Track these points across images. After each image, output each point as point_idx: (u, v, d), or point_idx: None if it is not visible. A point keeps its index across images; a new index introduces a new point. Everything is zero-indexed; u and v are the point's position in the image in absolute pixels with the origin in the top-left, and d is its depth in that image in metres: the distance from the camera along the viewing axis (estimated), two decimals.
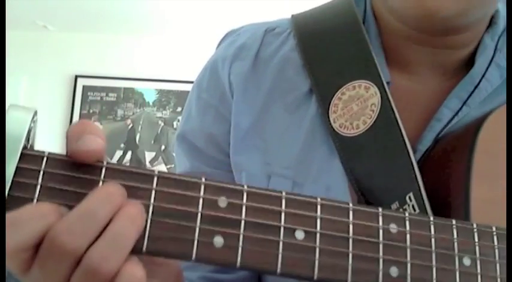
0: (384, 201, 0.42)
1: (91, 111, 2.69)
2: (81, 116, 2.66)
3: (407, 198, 0.41)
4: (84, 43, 2.70)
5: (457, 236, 0.35)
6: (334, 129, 0.45)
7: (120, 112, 2.69)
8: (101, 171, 0.28)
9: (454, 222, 0.35)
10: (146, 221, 0.28)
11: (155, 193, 0.29)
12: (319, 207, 0.32)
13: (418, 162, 0.43)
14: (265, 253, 0.30)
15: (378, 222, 0.33)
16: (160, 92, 2.70)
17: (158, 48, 2.68)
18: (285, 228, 0.31)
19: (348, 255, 0.31)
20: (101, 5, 2.31)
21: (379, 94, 0.44)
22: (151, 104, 2.70)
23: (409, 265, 0.33)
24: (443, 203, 0.41)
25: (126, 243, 0.27)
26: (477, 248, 0.35)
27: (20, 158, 0.27)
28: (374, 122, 0.44)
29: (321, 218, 0.32)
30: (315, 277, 0.30)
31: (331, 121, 0.45)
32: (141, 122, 2.68)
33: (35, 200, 0.27)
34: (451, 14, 0.40)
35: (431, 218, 0.35)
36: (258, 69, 0.50)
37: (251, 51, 0.50)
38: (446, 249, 0.34)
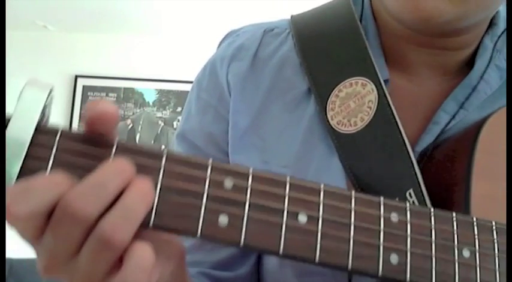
0: (384, 197, 0.43)
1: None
2: (81, 116, 2.67)
3: (407, 194, 0.42)
4: (84, 43, 2.71)
5: (457, 228, 0.35)
6: (332, 127, 0.45)
7: (120, 112, 2.70)
8: (112, 147, 0.29)
9: (454, 214, 0.36)
10: (154, 197, 0.29)
11: (163, 171, 0.30)
12: (322, 193, 0.33)
13: (417, 164, 0.44)
14: (268, 234, 0.30)
15: (380, 211, 0.34)
16: (160, 92, 2.70)
17: (158, 48, 2.70)
18: (288, 211, 0.31)
19: (349, 241, 0.32)
20: (101, 5, 2.33)
21: (376, 91, 0.45)
22: (151, 104, 2.71)
23: (409, 253, 0.33)
24: (443, 199, 0.42)
25: (137, 217, 0.27)
26: (476, 240, 0.36)
27: (35, 131, 0.28)
28: (371, 119, 0.44)
29: (324, 204, 0.32)
30: (316, 260, 0.31)
31: (329, 118, 0.45)
32: (141, 122, 2.69)
33: (48, 171, 0.28)
34: (449, 18, 0.40)
35: (432, 210, 0.35)
36: (256, 69, 0.50)
37: (249, 51, 0.51)
38: (446, 240, 0.35)
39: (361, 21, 0.49)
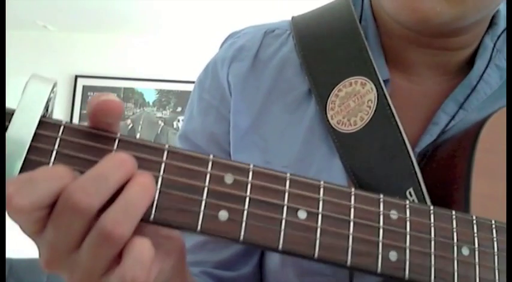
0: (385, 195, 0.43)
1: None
2: (81, 116, 2.67)
3: (407, 193, 0.42)
4: (84, 43, 2.71)
5: (457, 225, 0.35)
6: (332, 126, 0.45)
7: None
8: (114, 141, 0.29)
9: (453, 212, 0.36)
10: (155, 191, 0.29)
11: (165, 166, 0.30)
12: (322, 189, 0.33)
13: (418, 164, 0.44)
14: (268, 229, 0.31)
15: (379, 208, 0.34)
16: (160, 92, 2.71)
17: (158, 48, 2.70)
18: (288, 207, 0.32)
19: (348, 237, 0.32)
20: (102, 4, 2.33)
21: (375, 90, 0.45)
22: (151, 104, 2.71)
23: (407, 251, 0.33)
24: (443, 198, 0.42)
25: (138, 211, 0.28)
26: (476, 238, 0.36)
27: (39, 124, 0.28)
28: (371, 118, 0.45)
29: (324, 200, 0.32)
30: (315, 256, 0.31)
31: (329, 118, 0.46)
32: (141, 122, 2.69)
33: (51, 164, 0.28)
34: (446, 20, 0.40)
35: (431, 207, 0.35)
36: (257, 70, 0.51)
37: (250, 52, 0.51)
38: (445, 238, 0.35)
39: (360, 21, 0.50)
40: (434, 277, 0.33)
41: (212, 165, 0.31)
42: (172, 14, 2.44)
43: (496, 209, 0.39)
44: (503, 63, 0.47)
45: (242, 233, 0.30)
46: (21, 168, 0.27)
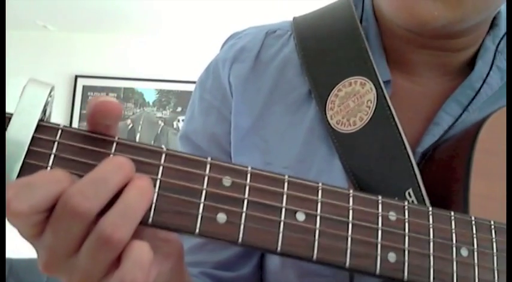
0: (383, 196, 0.43)
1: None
2: (81, 116, 2.67)
3: (406, 194, 0.42)
4: (84, 43, 2.71)
5: (455, 227, 0.35)
6: (331, 127, 0.45)
7: None
8: (112, 145, 0.29)
9: (452, 213, 0.36)
10: (153, 195, 0.29)
11: (163, 169, 0.30)
12: (320, 191, 0.33)
13: (417, 164, 0.44)
14: (267, 232, 0.31)
15: (378, 209, 0.34)
16: (160, 92, 2.70)
17: (158, 48, 2.70)
18: (286, 209, 0.32)
19: (347, 239, 0.32)
20: (101, 4, 2.33)
21: (374, 90, 0.45)
22: (151, 104, 2.71)
23: (406, 252, 0.33)
24: (442, 199, 0.42)
25: (137, 214, 0.28)
26: (475, 239, 0.36)
27: (37, 128, 0.28)
28: (370, 118, 0.44)
29: (322, 202, 0.32)
30: (314, 258, 0.31)
31: (329, 118, 0.46)
32: (141, 122, 2.68)
33: (49, 168, 0.28)
34: (444, 23, 0.40)
35: (430, 208, 0.35)
36: (258, 71, 0.51)
37: (251, 53, 0.51)
38: (444, 239, 0.35)
39: (361, 22, 0.49)
40: (434, 278, 0.33)
41: (210, 167, 0.31)
42: (172, 14, 2.44)
43: (494, 210, 0.39)
44: (504, 64, 0.47)
45: (240, 235, 0.30)
46: (20, 172, 0.27)
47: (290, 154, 0.47)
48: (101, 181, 0.27)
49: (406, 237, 0.34)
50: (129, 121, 2.69)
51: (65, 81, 2.70)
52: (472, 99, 0.46)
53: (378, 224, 0.33)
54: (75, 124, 2.67)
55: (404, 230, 0.34)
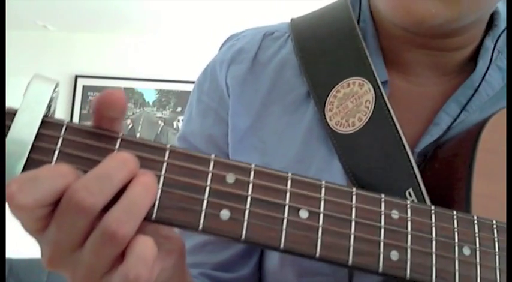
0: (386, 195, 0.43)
1: (91, 111, 2.68)
2: (81, 116, 2.67)
3: (407, 193, 0.42)
4: (84, 43, 2.72)
5: (458, 225, 0.35)
6: (330, 128, 0.45)
7: None
8: (116, 141, 0.30)
9: (454, 212, 0.36)
10: (157, 191, 0.29)
11: (166, 165, 0.30)
12: (323, 189, 0.33)
13: (418, 165, 0.44)
14: (270, 229, 0.31)
15: (380, 207, 0.34)
16: (160, 92, 2.71)
17: (158, 48, 2.70)
18: (289, 206, 0.32)
19: (349, 237, 0.32)
20: (101, 4, 2.33)
21: (372, 91, 0.45)
22: (151, 104, 2.71)
23: (409, 250, 0.33)
24: (444, 198, 0.42)
25: (141, 210, 0.28)
26: (477, 238, 0.36)
27: (41, 124, 0.28)
28: (369, 119, 0.45)
29: (325, 200, 0.33)
30: (317, 255, 0.31)
31: (327, 119, 0.46)
32: (141, 122, 2.69)
33: (53, 164, 0.28)
34: (441, 21, 0.40)
35: (433, 207, 0.36)
36: (255, 72, 0.51)
37: (249, 54, 0.51)
38: (447, 237, 0.35)
39: (359, 23, 0.50)
40: (436, 277, 0.33)
41: (214, 164, 0.31)
42: (172, 14, 2.44)
43: (496, 209, 0.39)
44: (505, 64, 0.48)
45: (244, 232, 0.30)
46: (24, 167, 0.27)
47: (288, 155, 0.47)
48: (105, 177, 0.27)
49: (409, 236, 0.34)
50: (129, 121, 2.69)
51: (65, 81, 2.70)
52: (471, 97, 0.46)
53: (380, 222, 0.33)
54: None
55: (406, 228, 0.34)
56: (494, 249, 0.36)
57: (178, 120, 2.68)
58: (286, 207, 0.31)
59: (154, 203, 0.29)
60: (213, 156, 0.31)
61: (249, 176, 0.31)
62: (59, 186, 0.27)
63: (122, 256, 0.28)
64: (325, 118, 0.46)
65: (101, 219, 0.27)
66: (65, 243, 0.28)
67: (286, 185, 0.32)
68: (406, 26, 0.42)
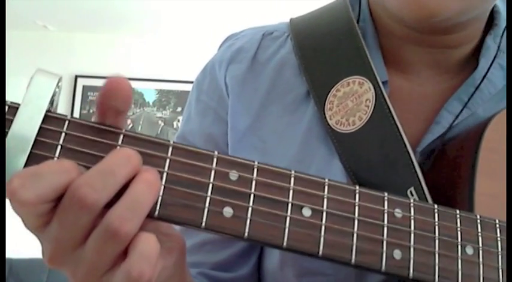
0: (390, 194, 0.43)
1: (91, 111, 2.67)
2: (81, 116, 2.66)
3: (408, 192, 0.42)
4: (84, 43, 2.71)
5: (461, 225, 0.35)
6: (330, 127, 0.45)
7: None
8: (119, 136, 0.29)
9: (458, 211, 0.36)
10: (160, 188, 0.29)
11: (169, 162, 0.30)
12: (326, 187, 0.33)
13: (420, 164, 0.44)
14: (273, 226, 0.31)
15: (383, 206, 0.34)
16: (160, 92, 2.71)
17: (158, 48, 2.70)
18: (292, 204, 0.31)
19: (352, 235, 0.32)
20: (101, 5, 2.33)
21: (373, 90, 0.45)
22: (151, 104, 2.71)
23: (412, 249, 0.33)
24: (446, 197, 0.42)
25: (144, 208, 0.28)
26: (480, 238, 0.36)
27: (44, 119, 0.28)
28: (369, 117, 0.44)
29: (328, 198, 0.32)
30: (320, 253, 0.31)
31: (327, 118, 0.46)
32: (141, 122, 2.69)
33: (55, 159, 0.28)
34: (452, 14, 0.40)
35: (436, 206, 0.35)
36: (255, 72, 0.51)
37: (248, 54, 0.51)
38: (450, 237, 0.35)
39: (358, 22, 0.50)
40: (438, 276, 0.33)
41: (217, 161, 0.31)
42: (172, 14, 2.44)
43: (499, 208, 0.39)
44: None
45: (247, 229, 0.30)
46: (26, 162, 0.27)
47: (288, 154, 0.47)
48: (108, 173, 0.27)
49: (412, 235, 0.34)
50: (129, 121, 2.69)
51: (65, 81, 2.70)
52: (472, 94, 0.46)
53: (383, 220, 0.33)
54: None
55: (410, 227, 0.34)
56: (497, 248, 0.36)
57: (178, 120, 2.68)
58: (290, 205, 0.31)
59: (157, 200, 0.29)
60: (216, 153, 0.31)
61: (252, 174, 0.31)
62: (61, 182, 0.26)
63: (124, 254, 0.28)
64: (325, 117, 0.46)
65: (103, 216, 0.27)
66: (67, 240, 0.28)
67: (290, 183, 0.32)
68: (414, 21, 0.42)
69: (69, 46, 2.73)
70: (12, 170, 0.26)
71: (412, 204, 0.35)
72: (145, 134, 0.30)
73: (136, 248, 0.27)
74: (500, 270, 0.35)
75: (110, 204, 0.27)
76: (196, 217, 0.29)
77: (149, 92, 2.71)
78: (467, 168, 0.41)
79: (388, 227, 0.33)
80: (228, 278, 0.49)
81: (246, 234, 0.30)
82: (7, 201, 0.26)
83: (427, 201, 0.41)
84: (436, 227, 0.34)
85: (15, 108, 0.28)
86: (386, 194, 0.34)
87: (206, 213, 0.29)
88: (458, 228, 0.35)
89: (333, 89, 0.46)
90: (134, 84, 2.71)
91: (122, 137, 0.29)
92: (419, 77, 0.49)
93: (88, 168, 0.28)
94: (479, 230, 0.36)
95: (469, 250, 0.35)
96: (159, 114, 2.70)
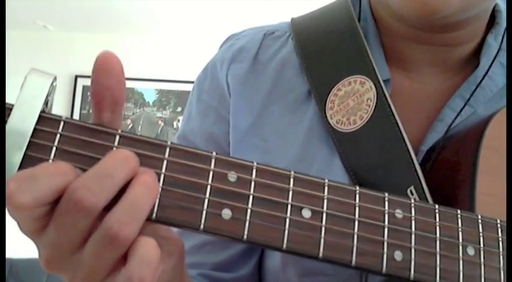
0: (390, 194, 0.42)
1: (91, 111, 2.69)
2: (81, 116, 2.66)
3: (408, 191, 0.41)
4: (84, 43, 2.71)
5: (462, 225, 0.35)
6: (331, 126, 0.45)
7: None
8: (115, 138, 0.29)
9: (459, 211, 0.35)
10: (158, 190, 0.29)
11: (167, 163, 0.29)
12: (326, 188, 0.32)
13: (421, 162, 0.43)
14: (272, 228, 0.30)
15: (384, 207, 0.33)
16: (160, 92, 2.71)
17: (158, 48, 2.70)
18: (292, 205, 0.31)
19: (353, 236, 0.32)
20: (101, 4, 2.33)
21: (374, 89, 0.45)
22: (151, 104, 2.71)
23: (413, 250, 0.33)
24: (447, 197, 0.41)
25: (143, 211, 0.27)
26: (481, 238, 0.35)
27: (38, 120, 0.27)
28: (370, 116, 0.44)
29: (328, 199, 0.32)
30: (320, 255, 0.31)
31: (328, 117, 0.45)
32: (141, 122, 2.69)
33: (50, 160, 0.27)
34: (454, 10, 0.40)
35: (437, 206, 0.35)
36: (256, 71, 0.51)
37: (249, 53, 0.51)
38: (451, 237, 0.34)
39: (359, 21, 0.49)
40: (440, 277, 0.33)
41: (215, 162, 0.30)
42: (171, 14, 2.44)
43: (501, 208, 0.38)
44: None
45: (246, 232, 0.29)
46: (21, 164, 0.26)
47: (290, 154, 0.47)
48: (106, 175, 0.26)
49: (413, 236, 0.33)
50: (129, 121, 2.69)
51: (65, 81, 2.70)
52: (473, 92, 0.46)
53: (384, 221, 0.33)
54: None
55: (410, 228, 0.33)
56: (499, 249, 0.35)
57: (178, 120, 2.68)
58: (289, 206, 0.31)
59: (155, 203, 0.28)
60: (214, 153, 0.31)
61: (251, 174, 0.31)
62: (58, 185, 0.26)
63: (123, 258, 0.27)
64: (326, 116, 0.46)
65: (101, 220, 0.27)
66: (65, 245, 0.27)
67: (289, 184, 0.31)
68: (415, 19, 0.42)
69: (69, 46, 2.73)
70: (6, 173, 0.26)
71: (412, 205, 0.34)
72: (145, 134, 0.30)
73: (137, 252, 0.27)
74: (502, 271, 0.35)
75: (107, 207, 0.27)
76: (194, 219, 0.29)
77: (149, 92, 2.71)
78: (468, 167, 0.41)
79: (388, 228, 0.33)
80: (228, 278, 0.49)
81: (245, 236, 0.29)
82: None
83: (427, 200, 0.41)
84: (437, 228, 0.34)
85: (9, 109, 0.27)
86: (386, 194, 0.34)
87: (204, 216, 0.29)
88: (460, 229, 0.35)
89: (334, 89, 0.46)
90: (134, 84, 2.71)
91: (118, 137, 0.29)
92: (421, 75, 0.48)
93: (84, 170, 0.27)
94: (481, 230, 0.35)
95: (470, 251, 0.35)
96: (159, 114, 2.70)
